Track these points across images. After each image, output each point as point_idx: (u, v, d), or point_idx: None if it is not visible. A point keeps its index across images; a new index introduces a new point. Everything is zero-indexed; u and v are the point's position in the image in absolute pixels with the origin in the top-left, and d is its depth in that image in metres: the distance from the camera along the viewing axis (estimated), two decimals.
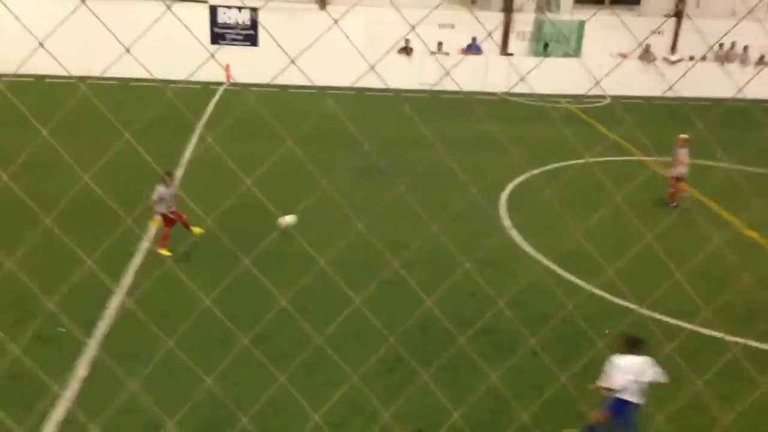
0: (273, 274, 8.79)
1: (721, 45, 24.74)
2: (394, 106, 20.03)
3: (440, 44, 24.05)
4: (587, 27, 24.16)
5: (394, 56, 23.02)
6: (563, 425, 7.15)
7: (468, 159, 15.56)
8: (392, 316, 8.53)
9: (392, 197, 13.00)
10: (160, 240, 10.70)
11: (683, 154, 13.61)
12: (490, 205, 13.48)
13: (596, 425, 6.65)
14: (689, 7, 25.41)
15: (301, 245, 9.64)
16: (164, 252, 10.60)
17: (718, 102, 21.21)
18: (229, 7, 23.68)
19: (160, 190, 10.29)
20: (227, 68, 23.04)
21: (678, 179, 13.79)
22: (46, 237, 9.17)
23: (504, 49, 25.34)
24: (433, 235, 11.74)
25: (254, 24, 23.70)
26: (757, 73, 22.14)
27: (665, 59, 24.64)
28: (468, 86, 22.74)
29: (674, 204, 13.86)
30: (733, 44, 24.61)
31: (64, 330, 8.17)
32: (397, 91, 21.92)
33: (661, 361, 6.45)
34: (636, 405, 6.35)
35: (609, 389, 6.34)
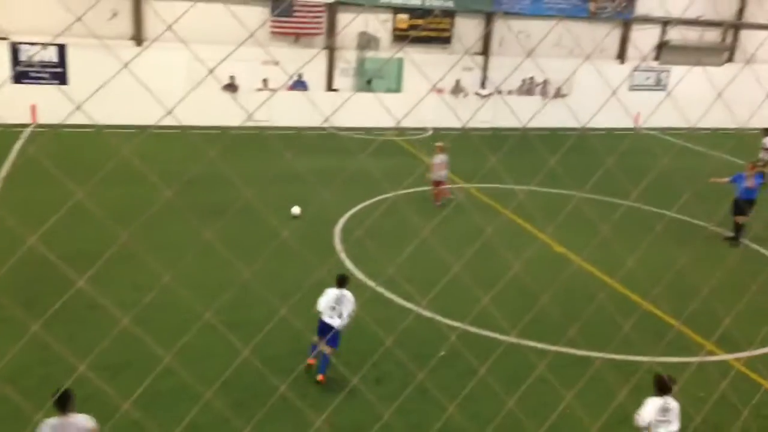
0: (94, 327, 8.21)
1: (523, 80, 27.20)
2: (220, 143, 19.69)
3: (265, 81, 24.11)
4: (407, 63, 25.47)
5: (219, 93, 22.70)
6: None
7: (300, 193, 15.65)
8: (229, 359, 8.29)
9: (223, 234, 12.72)
10: None
11: (440, 159, 15.78)
12: (323, 237, 13.61)
13: None
14: (494, 46, 27.69)
15: (123, 292, 9.12)
16: None
17: (522, 130, 23.17)
18: (32, 44, 22.04)
19: None
20: (33, 108, 21.35)
21: (437, 182, 15.81)
22: None
23: (329, 85, 25.96)
24: (268, 272, 11.62)
25: (63, 61, 22.24)
26: (545, 105, 24.58)
27: (477, 93, 26.59)
28: (296, 122, 22.95)
29: (439, 203, 15.80)
30: (532, 78, 27.15)
31: None
32: (224, 128, 21.59)
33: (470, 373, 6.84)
34: None
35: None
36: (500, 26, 27.46)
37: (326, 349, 8.89)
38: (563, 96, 25.78)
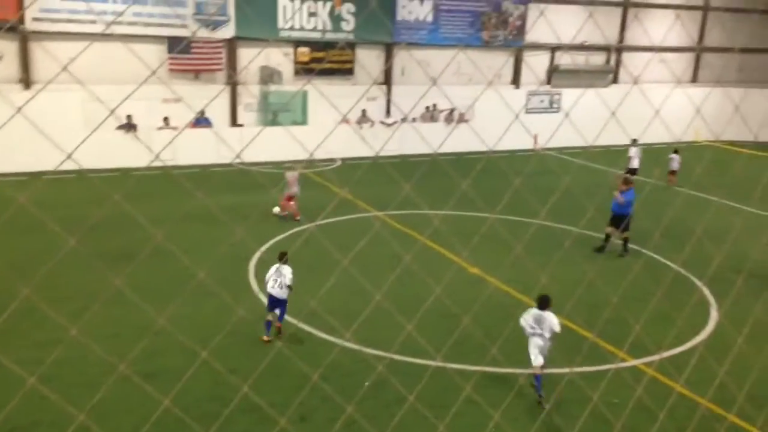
0: None
1: (427, 107, 27.86)
2: (123, 185, 18.96)
3: (167, 119, 23.52)
4: (312, 96, 25.51)
5: (118, 134, 21.91)
6: None
7: (211, 231, 15.25)
8: (148, 411, 7.89)
9: (133, 280, 12.19)
10: None
11: (292, 177, 17.27)
12: (239, 275, 13.29)
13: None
14: (396, 76, 28.26)
15: (24, 350, 8.52)
16: None
17: (432, 156, 23.70)
18: None
19: None
20: None
21: (290, 198, 17.34)
22: None
23: (234, 121, 25.61)
24: (183, 316, 11.20)
25: None
26: (452, 131, 25.31)
27: (382, 122, 26.98)
28: (202, 159, 22.47)
29: (285, 214, 17.26)
30: (435, 106, 27.85)
31: None
32: (125, 170, 20.83)
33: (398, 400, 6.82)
34: None
35: None
36: (401, 56, 28.10)
37: (276, 322, 10.76)
38: (466, 121, 26.58)
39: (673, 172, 23.02)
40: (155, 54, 23.50)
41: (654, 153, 25.42)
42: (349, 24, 26.63)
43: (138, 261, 11.83)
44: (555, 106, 30.24)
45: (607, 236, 15.66)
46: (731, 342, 10.74)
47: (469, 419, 8.70)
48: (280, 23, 25.67)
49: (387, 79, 28.21)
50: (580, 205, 16.18)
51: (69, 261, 12.82)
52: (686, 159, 23.48)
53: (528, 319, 9.42)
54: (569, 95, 29.76)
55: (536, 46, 30.25)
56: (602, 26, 30.85)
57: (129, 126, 22.55)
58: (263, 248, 14.79)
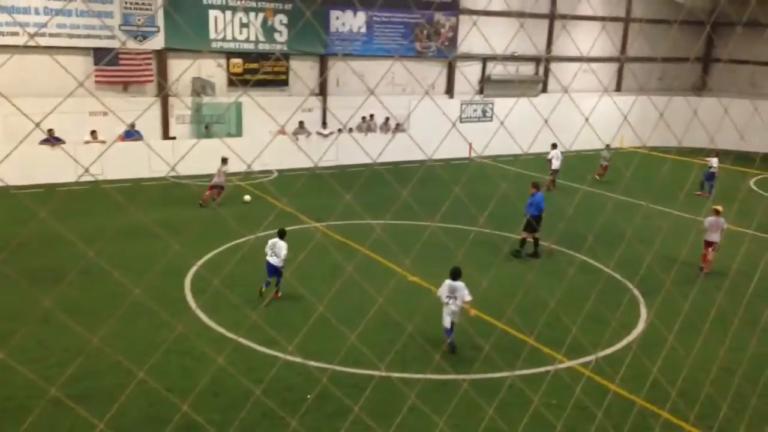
0: None
1: (363, 117, 27.91)
2: (49, 201, 18.21)
3: (94, 133, 22.75)
4: (246, 108, 25.18)
5: (42, 149, 21.06)
6: None
7: (145, 247, 14.81)
8: None
9: (63, 300, 11.71)
10: None
11: (223, 168, 19.09)
12: (175, 291, 12.93)
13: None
14: (331, 87, 28.22)
15: None
16: None
17: (371, 166, 23.75)
18: None
19: None
20: None
21: (213, 186, 19.24)
22: None
23: (166, 134, 25.01)
24: (117, 335, 10.82)
25: None
26: (391, 139, 25.48)
27: (319, 133, 26.86)
28: (132, 173, 21.83)
29: (204, 203, 19.21)
30: (372, 116, 27.94)
31: None
32: (51, 185, 20.05)
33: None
34: None
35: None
36: (336, 67, 28.12)
37: (272, 281, 12.49)
38: (403, 131, 26.77)
39: (604, 167, 24.96)
40: (81, 66, 22.77)
41: (584, 159, 26.24)
42: (282, 35, 26.48)
43: (68, 280, 11.37)
44: (488, 115, 30.82)
45: (523, 240, 16.07)
46: (662, 340, 11.14)
47: (414, 428, 8.70)
48: (212, 34, 25.27)
49: (322, 90, 28.17)
50: (518, 210, 16.51)
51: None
52: (614, 165, 24.48)
53: (443, 290, 10.84)
54: (501, 104, 30.41)
55: (469, 57, 30.81)
56: (532, 37, 31.69)
57: (54, 140, 21.71)
58: (200, 262, 14.46)
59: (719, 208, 15.58)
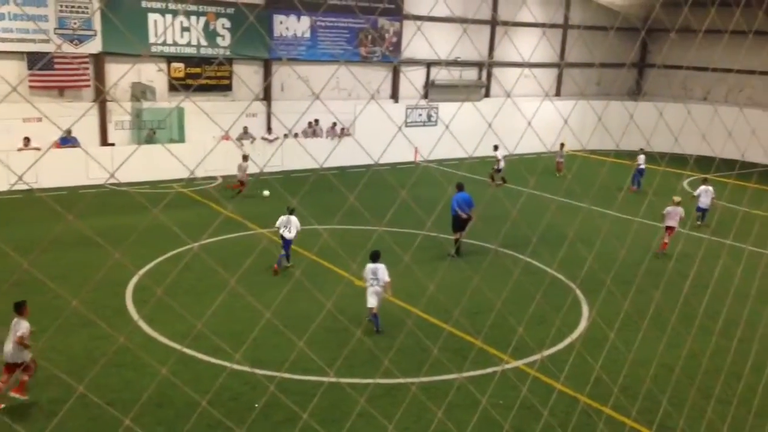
0: None
1: (309, 122, 27.75)
2: None
3: (27, 139, 21.93)
4: (189, 113, 24.67)
5: None
6: None
7: (82, 257, 14.35)
8: None
9: None
10: None
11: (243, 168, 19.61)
12: (115, 302, 12.56)
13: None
14: (275, 92, 28.00)
15: None
16: None
17: (317, 171, 23.63)
18: None
19: None
20: None
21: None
22: None
23: (104, 140, 24.30)
24: (54, 349, 10.43)
25: None
26: (337, 144, 25.44)
27: (263, 138, 26.58)
28: (68, 181, 21.12)
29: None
30: (317, 121, 27.81)
31: None
32: None
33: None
34: None
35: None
36: (281, 72, 27.89)
37: (282, 251, 14.19)
38: (349, 135, 26.73)
39: (560, 163, 27.52)
40: (14, 71, 21.96)
41: (527, 162, 26.74)
42: (224, 39, 26.11)
43: (0, 293, 10.89)
44: (433, 119, 31.08)
45: (457, 239, 16.41)
46: (604, 338, 11.42)
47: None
48: (152, 38, 24.71)
49: (267, 95, 27.91)
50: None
51: None
52: (552, 168, 25.11)
53: (367, 272, 11.50)
54: (446, 109, 30.70)
55: (413, 62, 31.03)
56: (475, 43, 32.12)
57: None
58: (141, 272, 14.09)
59: (678, 198, 17.49)
